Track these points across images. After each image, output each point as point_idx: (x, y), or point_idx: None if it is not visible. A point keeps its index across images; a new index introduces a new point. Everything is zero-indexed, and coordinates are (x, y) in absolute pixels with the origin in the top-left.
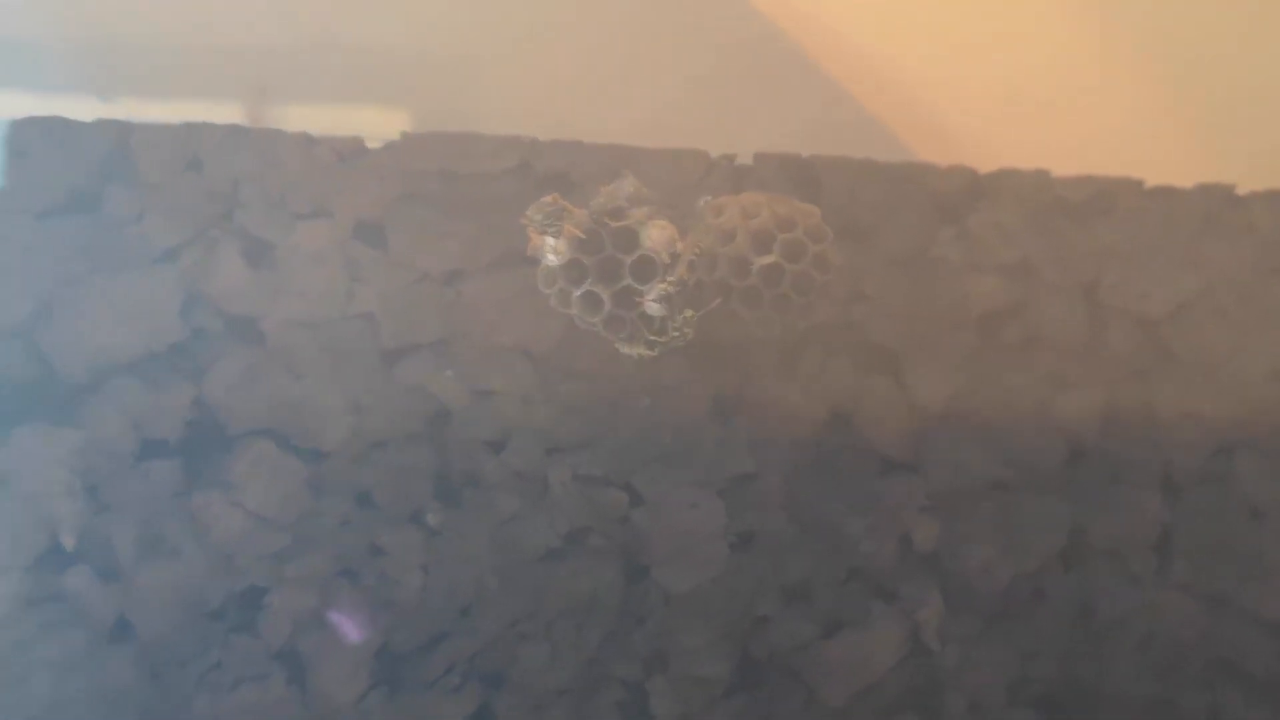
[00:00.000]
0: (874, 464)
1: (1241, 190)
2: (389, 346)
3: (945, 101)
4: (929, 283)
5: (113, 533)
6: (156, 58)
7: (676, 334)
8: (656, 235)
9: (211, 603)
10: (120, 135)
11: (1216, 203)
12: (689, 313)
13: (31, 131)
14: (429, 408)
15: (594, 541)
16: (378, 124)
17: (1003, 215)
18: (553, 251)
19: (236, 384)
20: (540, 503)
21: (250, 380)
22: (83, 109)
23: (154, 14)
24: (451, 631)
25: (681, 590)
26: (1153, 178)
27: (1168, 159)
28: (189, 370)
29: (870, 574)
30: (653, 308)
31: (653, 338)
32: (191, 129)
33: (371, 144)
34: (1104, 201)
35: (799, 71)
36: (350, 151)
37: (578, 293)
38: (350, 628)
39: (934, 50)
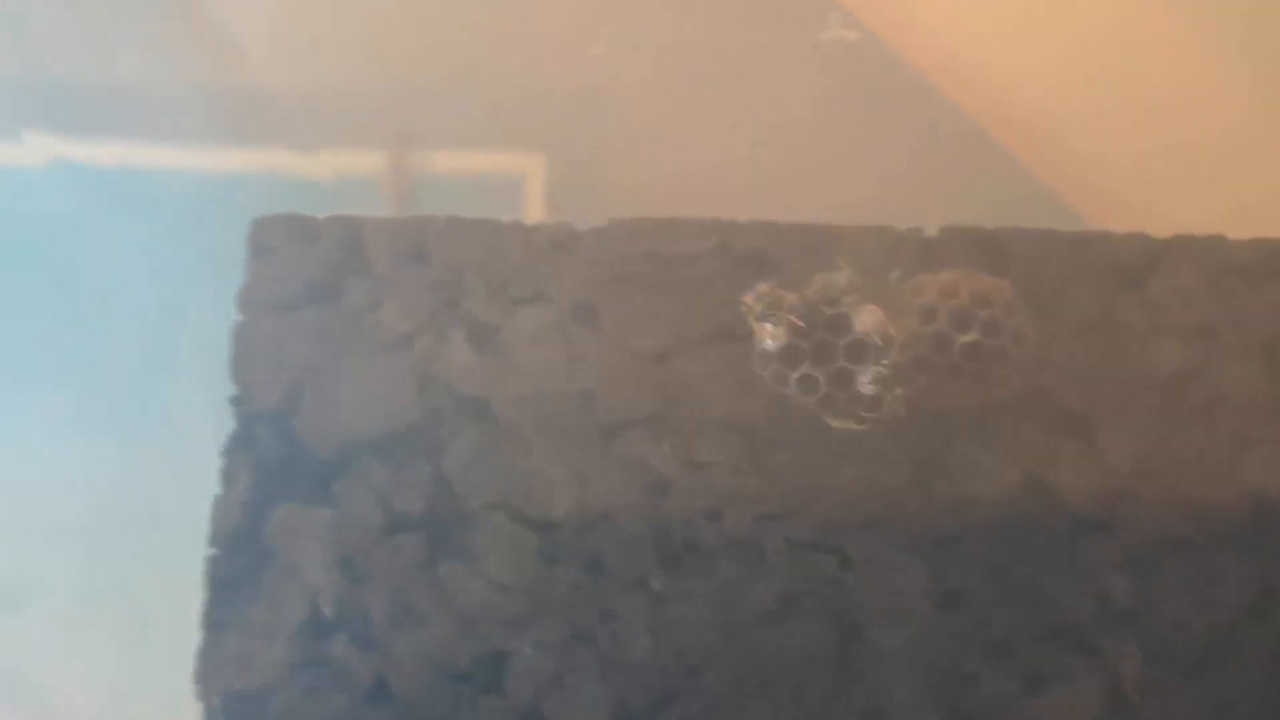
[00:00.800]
0: (1069, 524)
1: None
2: (607, 421)
3: (1116, 169)
4: (1113, 348)
5: (367, 601)
6: (300, 105)
7: (888, 410)
8: (868, 319)
9: (460, 665)
10: (352, 230)
11: None
12: (899, 390)
13: (272, 228)
14: (648, 479)
15: (808, 603)
16: (518, 166)
17: (1181, 280)
18: (770, 337)
19: (471, 460)
20: (756, 567)
21: (483, 456)
22: (230, 159)
23: (297, 63)
24: (681, 690)
25: (892, 648)
26: None
27: None
28: (427, 448)
29: (1070, 630)
30: (868, 388)
31: (865, 414)
32: (417, 222)
33: (579, 228)
34: (1278, 263)
35: (974, 145)
36: (563, 237)
37: (795, 375)
38: None
39: (1104, 119)
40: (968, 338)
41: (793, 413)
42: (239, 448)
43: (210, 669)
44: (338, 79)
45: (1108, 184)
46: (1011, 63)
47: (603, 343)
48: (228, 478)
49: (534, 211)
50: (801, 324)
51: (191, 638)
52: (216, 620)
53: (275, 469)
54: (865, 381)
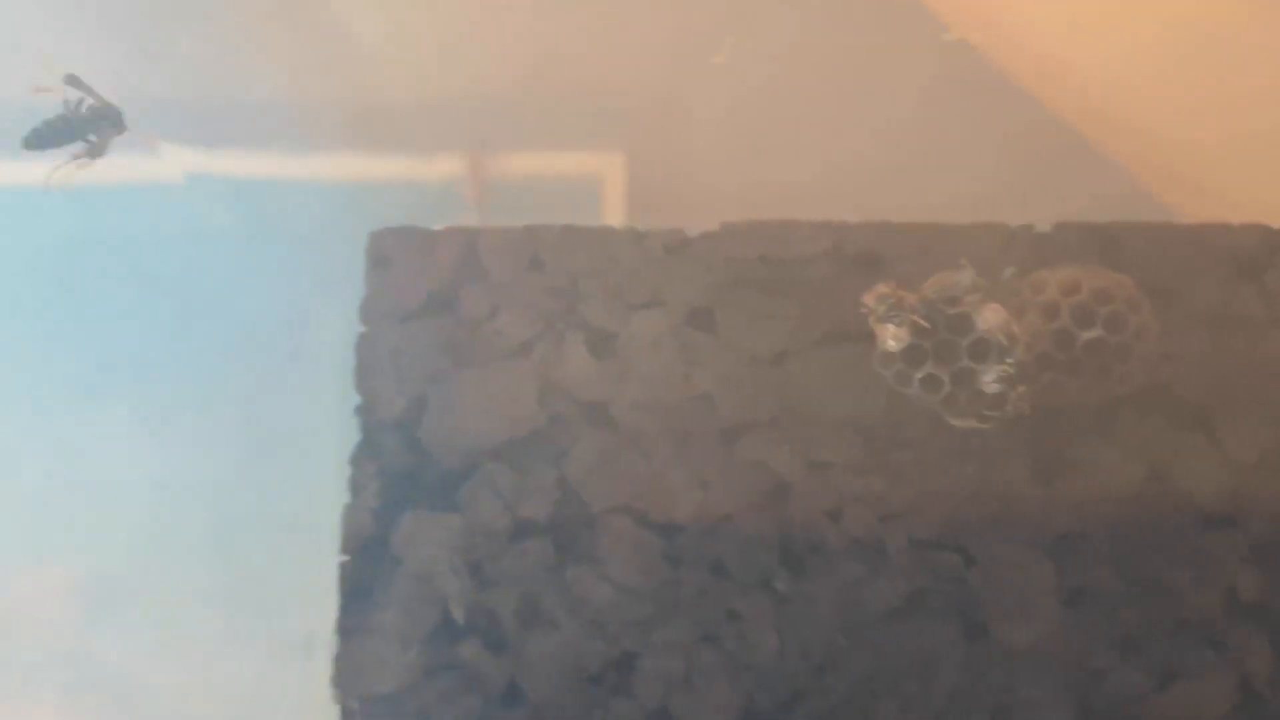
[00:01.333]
0: (1194, 518)
1: None
2: (727, 425)
3: (1210, 161)
4: (1233, 340)
5: (496, 606)
6: (378, 115)
7: (1011, 409)
8: (992, 318)
9: (590, 668)
10: (468, 240)
11: None
12: (1022, 388)
13: (389, 240)
14: (769, 481)
15: (933, 602)
16: (599, 168)
17: None
18: (893, 338)
19: (594, 465)
20: (880, 567)
21: (605, 461)
22: (352, 168)
23: (372, 72)
24: (809, 689)
25: (1019, 646)
26: None
27: None
28: (550, 454)
29: (1198, 625)
30: (992, 387)
31: (988, 413)
32: (531, 231)
33: (690, 233)
34: None
35: (1062, 141)
36: (675, 243)
37: (918, 375)
38: None
39: (1196, 109)
40: (1091, 334)
41: (912, 412)
42: (365, 456)
43: (347, 673)
44: (414, 85)
45: (1202, 176)
46: (1097, 56)
47: (720, 346)
48: (355, 486)
49: (613, 214)
50: (926, 324)
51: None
52: (350, 626)
53: (401, 477)
54: (989, 380)
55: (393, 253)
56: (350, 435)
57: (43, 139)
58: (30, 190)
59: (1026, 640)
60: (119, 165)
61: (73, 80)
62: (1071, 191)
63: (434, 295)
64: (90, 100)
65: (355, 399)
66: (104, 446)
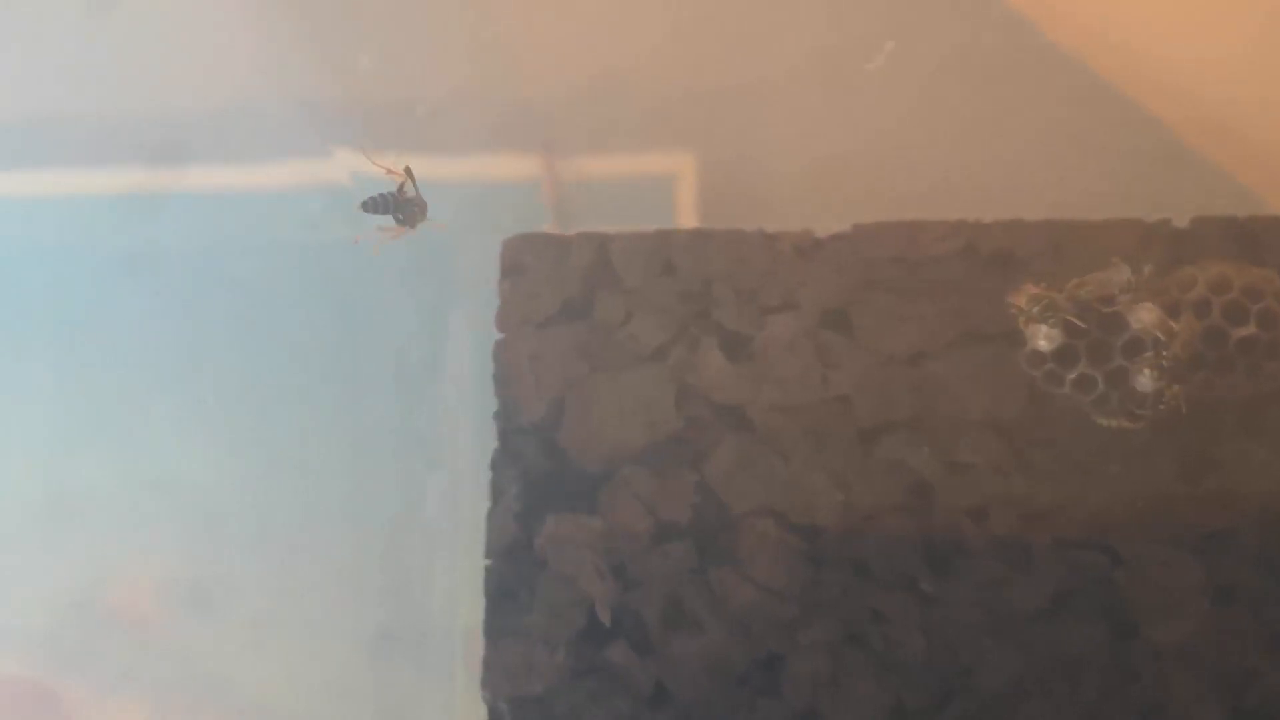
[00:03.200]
0: None
1: None
2: (865, 426)
3: None
4: None
5: (641, 608)
6: (451, 118)
7: (1164, 407)
8: (1146, 317)
9: (736, 668)
10: (600, 246)
11: None
12: (1176, 387)
13: (523, 248)
14: (909, 481)
15: (1080, 602)
16: (669, 167)
17: None
18: (1045, 339)
19: (732, 468)
20: (1025, 567)
21: (744, 464)
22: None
23: (446, 75)
24: (957, 690)
25: (1168, 645)
26: None
27: None
28: (689, 457)
29: None
30: (1146, 386)
31: (1140, 412)
32: (661, 235)
33: (820, 234)
34: None
35: (1157, 140)
36: (807, 245)
37: (1071, 375)
38: None
39: None
40: (1244, 331)
41: (1052, 410)
42: (505, 461)
43: (495, 675)
44: (486, 87)
45: None
46: (1192, 57)
47: (855, 347)
48: (496, 491)
49: (686, 213)
50: (1082, 324)
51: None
52: (496, 628)
53: (542, 481)
54: (1144, 380)
55: (526, 259)
56: (487, 441)
57: (372, 206)
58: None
59: (1175, 640)
60: (287, 168)
61: (407, 171)
62: (1169, 193)
63: (568, 301)
64: (411, 190)
65: (492, 405)
66: (262, 448)
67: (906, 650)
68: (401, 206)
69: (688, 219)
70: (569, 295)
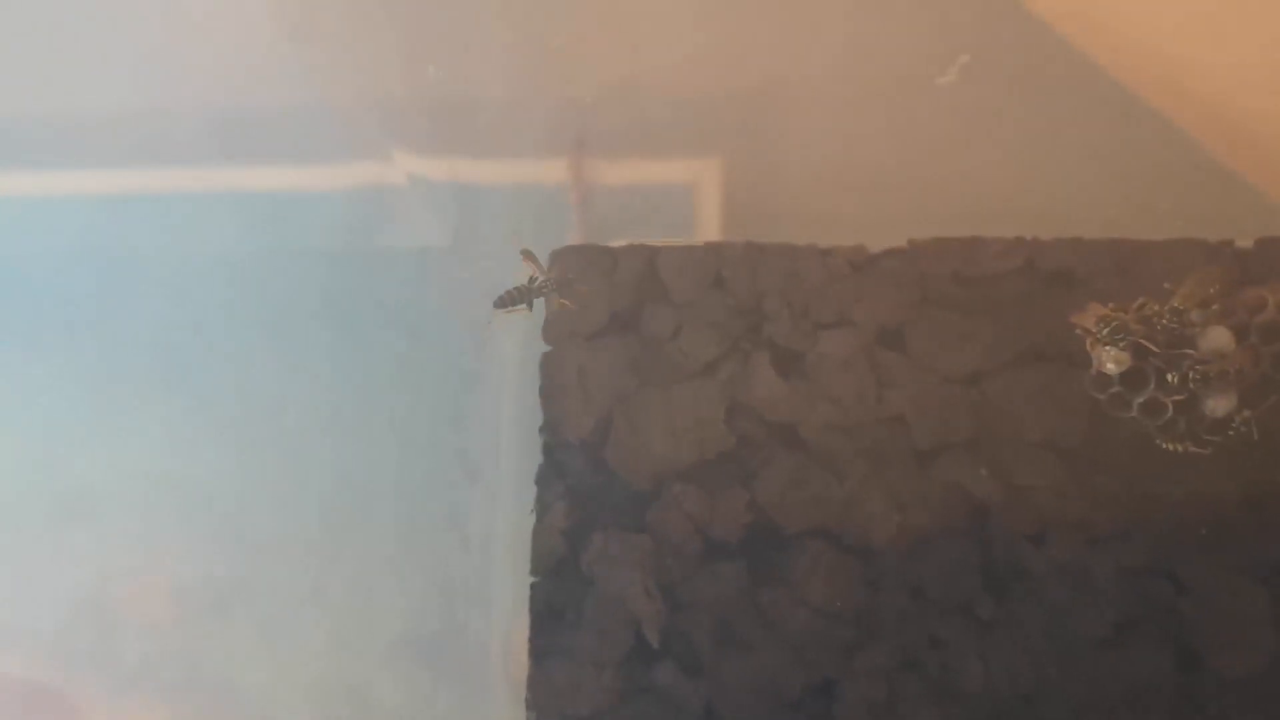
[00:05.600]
0: None
1: None
2: (922, 447)
3: None
4: None
5: (690, 629)
6: (481, 116)
7: (1233, 433)
8: (1216, 339)
9: (790, 693)
10: (649, 258)
11: None
12: (1247, 413)
13: (570, 258)
14: (968, 504)
15: (1144, 630)
16: (694, 173)
17: None
18: (1113, 361)
19: (785, 487)
20: (1086, 593)
21: (797, 483)
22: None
23: (475, 73)
24: (1016, 718)
25: (1235, 676)
26: None
27: None
28: (740, 476)
29: None
30: (1216, 412)
31: (1208, 438)
32: (711, 249)
33: (874, 250)
34: None
35: (1189, 157)
36: (862, 261)
37: (1139, 399)
38: None
39: None
40: None
41: (1112, 433)
42: (551, 476)
43: (541, 695)
44: (514, 88)
45: None
46: (1219, 67)
47: (912, 366)
48: (542, 506)
49: (708, 220)
50: (1154, 348)
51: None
52: (543, 647)
53: (589, 497)
54: (1215, 404)
55: (574, 270)
56: (531, 454)
57: (505, 301)
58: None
59: (1243, 670)
60: (345, 171)
61: (533, 258)
62: (1201, 210)
63: (617, 314)
64: (542, 279)
65: (539, 418)
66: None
67: (965, 677)
68: (529, 295)
69: (711, 226)
70: (617, 308)
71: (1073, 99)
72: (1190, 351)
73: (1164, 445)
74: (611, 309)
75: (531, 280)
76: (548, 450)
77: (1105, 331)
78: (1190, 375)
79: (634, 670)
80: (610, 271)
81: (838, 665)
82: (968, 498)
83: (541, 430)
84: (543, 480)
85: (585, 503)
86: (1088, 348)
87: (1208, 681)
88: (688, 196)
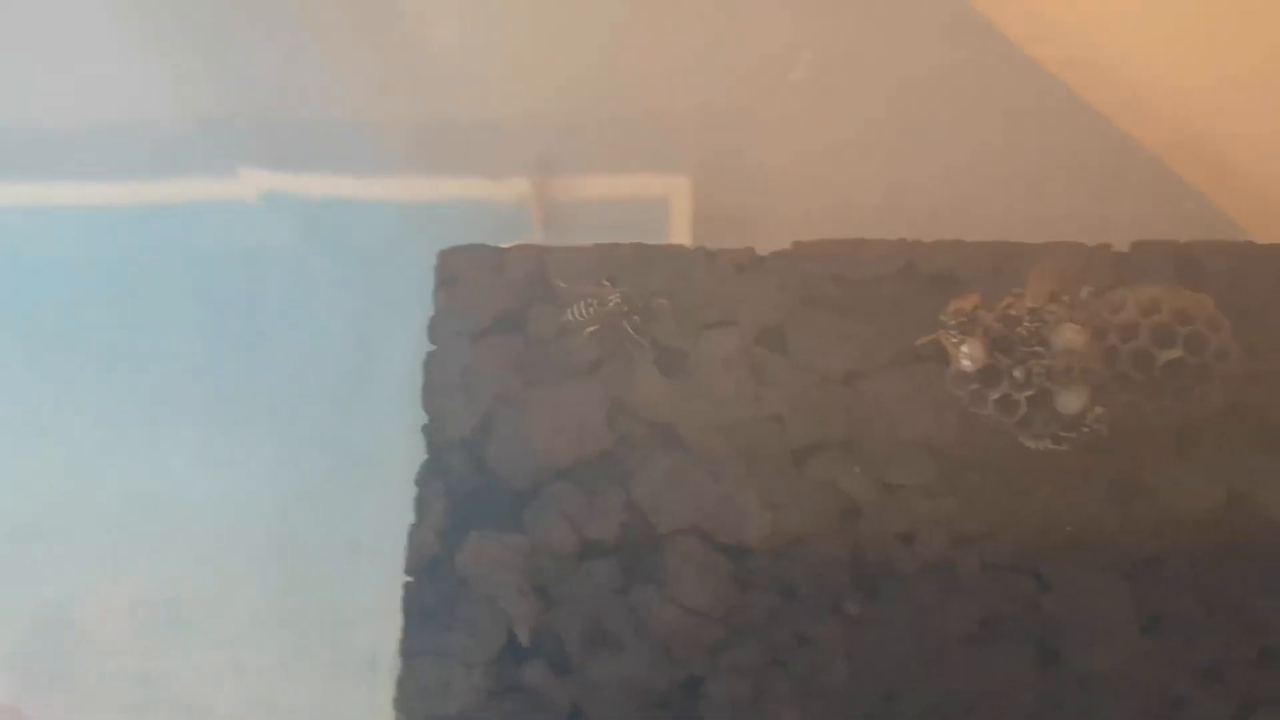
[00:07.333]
0: (1276, 542)
1: None
2: (798, 446)
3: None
4: None
5: (562, 628)
6: (441, 133)
7: (1088, 430)
8: (1069, 337)
9: (656, 691)
10: (538, 258)
11: None
12: (1099, 410)
13: (459, 259)
14: (841, 503)
15: (1007, 627)
16: (663, 189)
17: None
18: (967, 358)
19: (662, 487)
20: (953, 591)
21: (674, 483)
22: (421, 188)
23: (434, 91)
24: (879, 716)
25: (1096, 672)
26: None
27: None
28: (618, 475)
29: None
30: (1067, 407)
31: (1064, 434)
32: (601, 249)
33: (761, 252)
34: None
35: (1138, 165)
36: (747, 262)
37: (994, 396)
38: None
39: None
40: (1170, 354)
41: (985, 433)
42: (431, 476)
43: (410, 696)
44: (486, 107)
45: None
46: (1179, 84)
47: (791, 366)
48: (421, 506)
49: (679, 235)
50: (1003, 341)
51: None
52: (414, 647)
53: (467, 497)
54: (1066, 402)
55: (462, 271)
56: (418, 455)
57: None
58: (103, 210)
59: (1103, 667)
60: (194, 185)
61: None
62: (1148, 214)
63: (504, 314)
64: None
65: (423, 418)
66: (168, 466)
67: (830, 675)
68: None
69: (682, 241)
70: (505, 308)
71: (1039, 112)
72: (1039, 349)
73: (1027, 443)
74: (499, 309)
75: (604, 301)
76: (431, 451)
77: (954, 325)
78: (1034, 371)
79: (504, 670)
80: (499, 271)
81: (704, 663)
82: (841, 497)
83: (424, 430)
84: (423, 480)
85: (464, 502)
86: (945, 345)
87: (1068, 678)
88: (660, 212)
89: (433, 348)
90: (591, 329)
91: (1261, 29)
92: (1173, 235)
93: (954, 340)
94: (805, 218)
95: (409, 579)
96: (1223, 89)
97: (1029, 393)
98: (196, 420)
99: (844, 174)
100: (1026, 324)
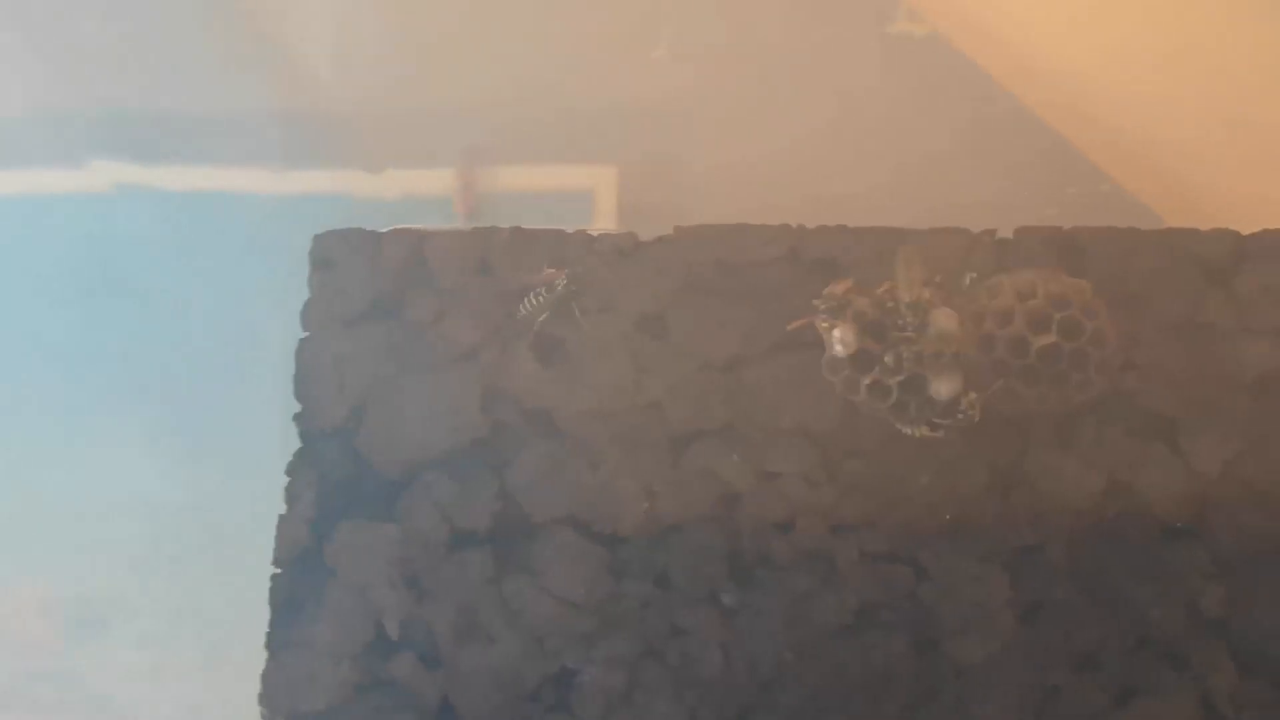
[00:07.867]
0: (1156, 531)
1: None
2: (677, 433)
3: (1189, 163)
4: (1200, 348)
5: (433, 620)
6: (367, 123)
7: (962, 416)
8: (943, 322)
9: (528, 684)
10: (415, 243)
11: None
12: (973, 395)
13: (334, 243)
14: (718, 491)
15: (884, 616)
16: (588, 179)
17: (1270, 277)
18: (840, 343)
19: (537, 475)
20: (830, 580)
21: (550, 471)
22: (298, 180)
23: (365, 81)
24: (755, 706)
25: (972, 662)
26: None
27: None
28: (493, 463)
29: (1159, 641)
30: (940, 392)
31: (938, 420)
32: (479, 234)
33: (644, 237)
34: None
35: (1044, 144)
36: (628, 247)
37: (866, 381)
38: None
39: (1174, 110)
40: (1045, 340)
41: (865, 421)
42: (303, 465)
43: (275, 690)
44: (402, 98)
45: (1181, 179)
46: (1075, 55)
47: (671, 352)
48: (291, 496)
49: (605, 223)
50: (873, 328)
51: (259, 658)
52: (281, 640)
53: (339, 487)
54: (939, 387)
55: (337, 255)
56: (291, 444)
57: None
58: None
59: (980, 656)
60: (47, 177)
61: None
62: (1044, 194)
63: (379, 299)
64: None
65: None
66: (41, 461)
67: (704, 665)
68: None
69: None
70: (380, 293)
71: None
72: (910, 334)
73: (904, 430)
74: (374, 295)
75: (553, 286)
76: (304, 439)
77: (826, 310)
78: (905, 356)
79: (372, 663)
80: (374, 256)
81: (578, 655)
82: (719, 484)
83: (296, 419)
84: (294, 470)
85: (335, 492)
86: (819, 329)
87: (945, 667)
88: (585, 202)
89: (305, 334)
90: (543, 317)
91: None
92: (1074, 208)
93: (825, 325)
94: (732, 213)
95: (276, 570)
96: (1113, 62)
97: (900, 378)
98: (60, 415)
99: (772, 169)
100: (902, 309)
